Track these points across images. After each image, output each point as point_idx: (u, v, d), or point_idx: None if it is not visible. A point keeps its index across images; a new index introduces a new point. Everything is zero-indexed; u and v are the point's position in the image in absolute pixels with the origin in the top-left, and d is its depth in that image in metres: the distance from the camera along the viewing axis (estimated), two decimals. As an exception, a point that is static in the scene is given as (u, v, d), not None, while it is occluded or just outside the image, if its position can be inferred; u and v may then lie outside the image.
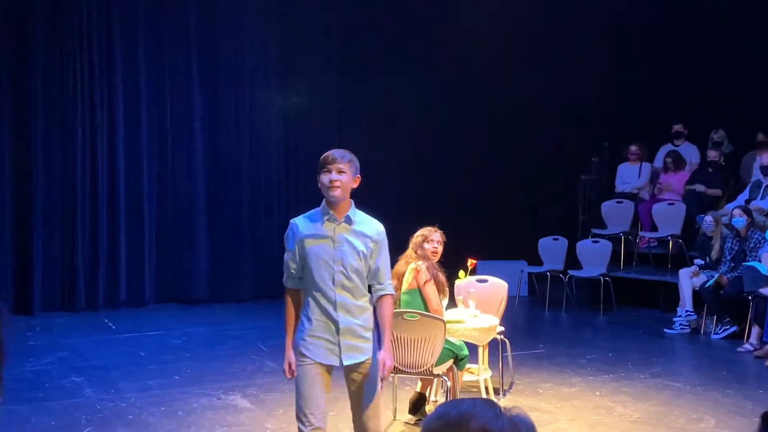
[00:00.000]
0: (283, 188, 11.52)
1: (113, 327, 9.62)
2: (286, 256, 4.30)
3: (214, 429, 6.13)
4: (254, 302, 11.04)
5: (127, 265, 10.66)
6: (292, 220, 4.35)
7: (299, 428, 4.20)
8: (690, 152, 11.88)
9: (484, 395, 6.33)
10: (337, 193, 4.13)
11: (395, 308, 5.91)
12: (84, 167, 10.41)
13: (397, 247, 6.36)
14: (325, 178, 4.14)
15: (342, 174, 4.12)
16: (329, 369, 4.22)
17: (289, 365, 4.21)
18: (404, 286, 6.03)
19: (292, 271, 4.25)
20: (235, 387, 7.12)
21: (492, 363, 6.85)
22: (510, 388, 7.10)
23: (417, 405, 6.29)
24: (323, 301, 4.15)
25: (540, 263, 11.25)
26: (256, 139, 11.40)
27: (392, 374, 5.92)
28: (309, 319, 4.18)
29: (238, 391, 7.01)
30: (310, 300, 4.19)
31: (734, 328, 9.23)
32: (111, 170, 10.58)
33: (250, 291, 11.21)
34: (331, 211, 4.17)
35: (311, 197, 11.75)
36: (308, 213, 4.32)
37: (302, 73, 11.54)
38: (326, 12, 11.52)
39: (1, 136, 9.98)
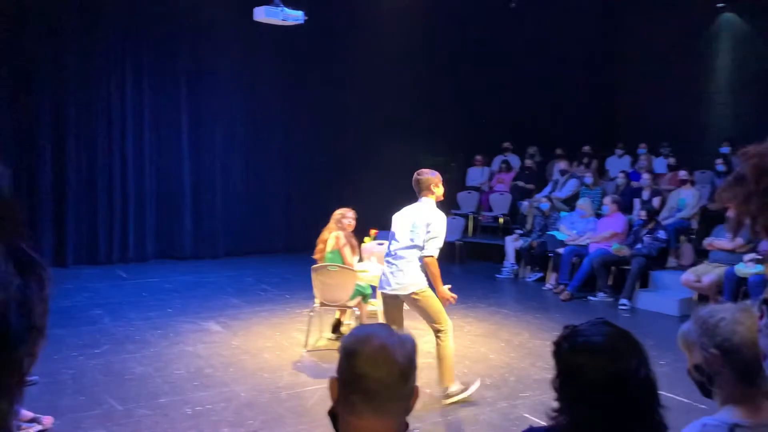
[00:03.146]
0: (245, 174, 11.24)
1: (124, 275, 9.26)
2: (442, 238, 4.51)
3: (196, 345, 5.98)
4: (224, 258, 10.79)
5: (134, 231, 10.26)
6: (438, 214, 4.56)
7: (448, 326, 4.63)
8: (514, 160, 12.15)
9: (380, 320, 6.35)
10: None
11: (322, 263, 5.89)
12: (103, 159, 9.89)
13: (326, 220, 6.36)
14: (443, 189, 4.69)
15: None
16: None
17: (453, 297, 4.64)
18: (328, 248, 5.99)
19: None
20: (209, 317, 6.95)
21: (386, 298, 6.88)
22: (397, 315, 7.15)
23: (336, 326, 6.29)
24: None
25: (417, 232, 11.33)
26: (225, 139, 10.93)
27: (320, 306, 5.91)
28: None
29: (212, 320, 6.85)
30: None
31: (540, 274, 9.47)
32: (122, 161, 10.05)
33: (222, 250, 10.96)
34: None
35: (262, 181, 11.56)
36: (435, 208, 4.62)
37: (258, 94, 11.17)
38: (277, 57, 11.22)
39: (47, 137, 9.39)
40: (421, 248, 4.50)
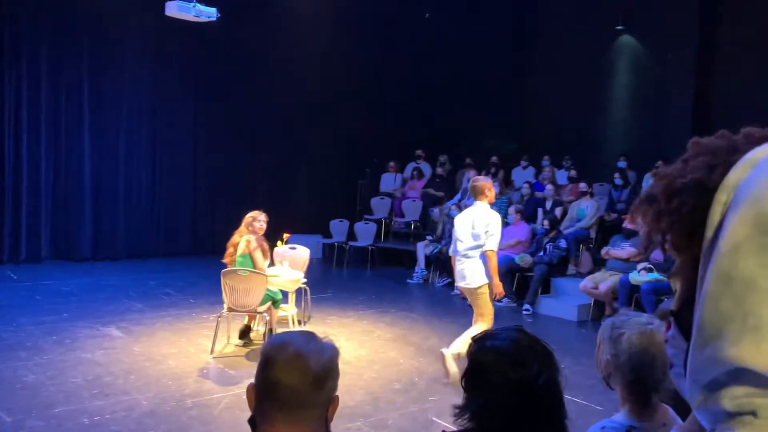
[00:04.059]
0: (150, 174, 10.79)
1: (15, 277, 8.66)
2: (499, 234, 5.27)
3: (94, 351, 5.68)
4: (126, 260, 10.33)
5: (27, 230, 9.63)
6: (492, 213, 5.26)
7: (490, 322, 5.28)
8: (426, 168, 12.38)
9: (291, 325, 6.29)
10: None
11: (232, 267, 5.76)
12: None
13: (236, 222, 6.21)
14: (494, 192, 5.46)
15: None
16: None
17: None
18: (239, 252, 5.86)
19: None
20: (110, 322, 6.64)
21: (297, 303, 6.82)
22: (308, 320, 7.10)
23: (244, 332, 6.16)
24: None
25: (331, 236, 11.33)
26: (130, 136, 10.47)
27: (228, 311, 5.77)
28: None
29: (113, 325, 6.53)
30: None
31: (449, 279, 9.68)
32: (16, 156, 9.46)
33: (124, 252, 10.47)
34: None
35: (168, 181, 11.14)
36: (489, 209, 5.29)
37: (166, 91, 10.78)
38: (186, 49, 10.85)
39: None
40: (483, 245, 5.27)
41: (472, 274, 5.28)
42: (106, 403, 4.57)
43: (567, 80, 11.92)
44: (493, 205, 9.68)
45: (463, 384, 1.51)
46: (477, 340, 1.55)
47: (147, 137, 10.70)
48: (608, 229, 9.15)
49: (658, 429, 1.70)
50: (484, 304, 5.31)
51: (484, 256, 5.25)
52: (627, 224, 8.03)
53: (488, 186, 5.36)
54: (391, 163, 12.19)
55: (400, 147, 12.46)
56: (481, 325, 5.32)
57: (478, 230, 5.26)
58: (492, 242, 5.24)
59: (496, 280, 5.29)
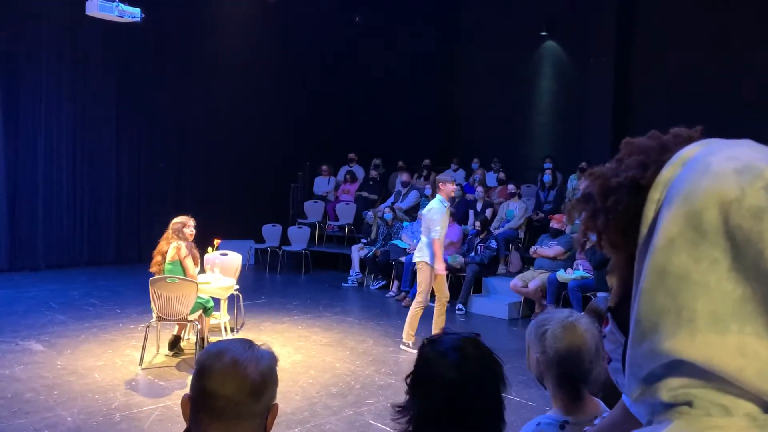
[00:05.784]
0: (71, 179, 10.27)
1: None
2: (439, 222, 6.07)
3: (13, 367, 5.36)
4: (46, 270, 9.82)
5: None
6: (436, 207, 6.11)
7: (424, 299, 6.26)
8: (359, 171, 12.39)
9: (223, 333, 6.14)
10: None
11: (161, 274, 5.57)
12: None
13: (162, 229, 6.01)
14: (455, 188, 6.64)
15: None
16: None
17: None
18: (168, 259, 5.66)
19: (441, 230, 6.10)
20: (30, 335, 6.28)
21: (229, 310, 6.67)
22: (241, 327, 6.96)
23: (174, 343, 5.97)
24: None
25: (263, 241, 11.15)
26: (48, 140, 9.92)
27: (157, 320, 5.58)
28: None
29: (32, 338, 6.19)
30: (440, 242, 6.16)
31: (383, 282, 9.74)
32: None
33: (44, 262, 9.95)
34: (447, 203, 6.26)
35: (91, 187, 10.66)
36: (438, 203, 6.14)
37: (88, 93, 10.30)
38: (108, 50, 10.43)
39: None
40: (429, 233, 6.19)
41: (418, 252, 6.32)
42: (27, 421, 4.32)
43: (494, 84, 12.22)
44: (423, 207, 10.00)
45: (408, 383, 1.49)
46: (429, 342, 1.52)
47: (67, 141, 10.21)
48: (536, 229, 9.42)
49: (590, 422, 1.74)
50: (421, 280, 6.25)
51: (430, 244, 6.17)
52: (554, 224, 8.28)
53: (441, 181, 6.33)
54: (324, 167, 12.13)
55: (333, 150, 12.42)
56: (416, 302, 6.23)
57: (424, 220, 6.32)
58: (434, 233, 6.17)
59: (437, 264, 6.16)
